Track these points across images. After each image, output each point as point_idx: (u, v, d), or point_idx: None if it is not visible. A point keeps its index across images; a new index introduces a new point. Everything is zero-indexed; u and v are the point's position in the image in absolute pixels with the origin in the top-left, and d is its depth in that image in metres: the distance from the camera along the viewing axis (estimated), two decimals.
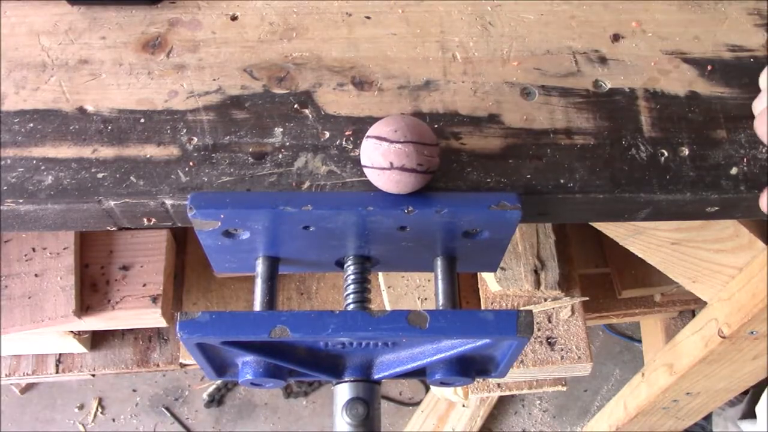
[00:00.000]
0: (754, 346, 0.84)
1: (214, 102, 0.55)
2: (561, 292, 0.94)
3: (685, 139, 0.56)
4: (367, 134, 0.50)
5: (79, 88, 0.56)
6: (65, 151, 0.53)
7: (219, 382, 1.77)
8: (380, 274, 1.00)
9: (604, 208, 0.56)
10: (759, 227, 0.75)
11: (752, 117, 0.57)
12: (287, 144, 0.54)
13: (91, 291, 0.96)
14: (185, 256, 1.11)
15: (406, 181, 0.49)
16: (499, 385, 1.01)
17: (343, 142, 0.54)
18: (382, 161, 0.49)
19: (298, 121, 0.55)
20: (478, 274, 0.97)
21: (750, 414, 1.47)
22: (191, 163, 0.53)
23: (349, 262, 0.58)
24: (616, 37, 0.60)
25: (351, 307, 0.56)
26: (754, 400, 1.45)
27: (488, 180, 0.54)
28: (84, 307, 0.94)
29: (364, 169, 0.50)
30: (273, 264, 0.58)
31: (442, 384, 0.59)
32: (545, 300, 0.96)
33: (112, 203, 0.52)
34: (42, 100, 0.55)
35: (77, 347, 1.08)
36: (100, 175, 0.52)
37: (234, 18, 0.59)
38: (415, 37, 0.59)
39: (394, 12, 0.60)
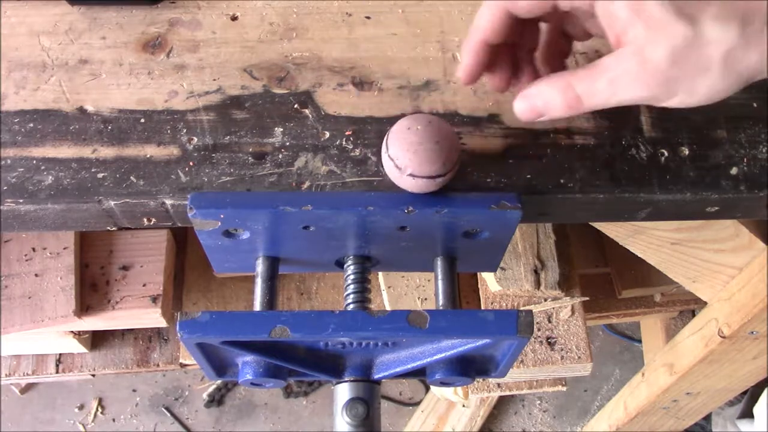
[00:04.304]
0: (754, 346, 0.84)
1: (214, 102, 0.55)
2: (561, 292, 0.94)
3: (685, 139, 0.56)
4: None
5: (79, 88, 0.56)
6: (65, 151, 0.53)
7: (219, 382, 1.77)
8: (380, 274, 1.00)
9: (604, 208, 0.56)
10: (759, 227, 0.75)
11: (752, 117, 0.57)
12: (287, 144, 0.54)
13: (91, 291, 0.96)
14: (185, 256, 1.11)
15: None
16: (499, 385, 1.01)
17: (343, 142, 0.54)
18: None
19: (298, 121, 0.55)
20: (478, 274, 0.97)
21: (748, 413, 1.47)
22: (191, 163, 0.53)
23: (349, 262, 0.58)
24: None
25: (351, 307, 0.56)
26: (753, 399, 1.45)
27: (488, 180, 0.54)
28: (84, 307, 0.94)
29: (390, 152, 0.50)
30: (273, 264, 0.58)
31: (442, 384, 0.59)
32: (545, 300, 0.96)
33: (112, 203, 0.52)
34: (42, 100, 0.55)
35: (77, 347, 1.08)
36: (100, 175, 0.52)
37: (234, 18, 0.59)
38: (415, 37, 0.59)
39: (394, 12, 0.60)
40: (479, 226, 0.53)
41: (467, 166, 0.54)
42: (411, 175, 0.49)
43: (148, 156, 0.53)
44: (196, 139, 0.54)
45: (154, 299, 0.96)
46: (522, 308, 0.95)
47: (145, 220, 0.54)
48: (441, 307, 0.57)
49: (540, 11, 0.46)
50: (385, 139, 0.50)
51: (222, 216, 0.51)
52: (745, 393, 1.48)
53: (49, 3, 0.59)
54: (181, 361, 1.11)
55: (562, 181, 0.54)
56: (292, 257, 0.58)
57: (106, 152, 0.53)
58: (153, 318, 0.98)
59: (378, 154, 0.54)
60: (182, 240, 1.11)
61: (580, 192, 0.54)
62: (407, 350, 0.56)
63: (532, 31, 0.51)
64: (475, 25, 0.48)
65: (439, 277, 0.59)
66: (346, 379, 0.57)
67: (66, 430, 1.72)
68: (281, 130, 0.55)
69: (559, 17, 0.48)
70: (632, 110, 0.57)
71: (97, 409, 1.74)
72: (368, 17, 0.60)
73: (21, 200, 0.51)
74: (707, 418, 1.59)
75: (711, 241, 0.76)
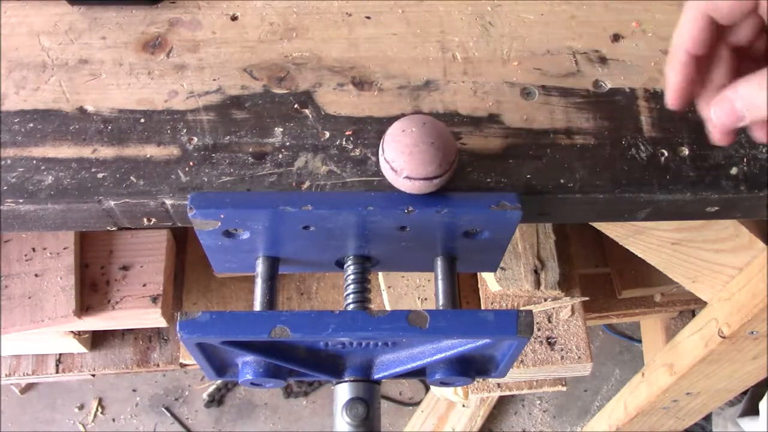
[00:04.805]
0: (754, 346, 0.84)
1: (214, 102, 0.55)
2: (561, 292, 0.94)
3: (685, 139, 0.56)
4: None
5: (79, 88, 0.56)
6: (65, 151, 0.53)
7: (219, 382, 1.77)
8: (380, 274, 1.00)
9: (604, 208, 0.56)
10: (759, 227, 0.75)
11: None
12: (287, 144, 0.54)
13: (91, 291, 0.96)
14: (185, 256, 1.11)
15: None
16: (499, 385, 1.01)
17: (343, 142, 0.54)
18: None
19: (298, 121, 0.55)
20: (478, 274, 0.97)
21: (750, 411, 1.47)
22: (191, 163, 0.53)
23: (349, 262, 0.58)
24: (616, 37, 0.60)
25: (351, 307, 0.56)
26: (755, 398, 1.45)
27: (488, 180, 0.54)
28: (84, 307, 0.94)
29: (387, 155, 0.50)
30: (273, 264, 0.58)
31: (442, 384, 0.59)
32: (545, 300, 0.96)
33: (112, 203, 0.52)
34: (42, 100, 0.55)
35: (77, 347, 1.08)
36: (100, 175, 0.52)
37: (234, 18, 0.59)
38: (415, 37, 0.59)
39: (394, 12, 0.60)
40: (479, 226, 0.53)
41: (467, 166, 0.54)
42: (407, 177, 0.49)
43: (148, 156, 0.53)
44: (196, 139, 0.54)
45: (154, 299, 0.96)
46: (522, 308, 0.95)
47: (145, 220, 0.54)
48: (441, 307, 0.56)
49: (741, 12, 0.44)
50: (381, 142, 0.50)
51: (222, 216, 0.51)
52: (745, 393, 1.48)
53: (49, 3, 0.59)
54: (181, 361, 1.11)
55: (562, 181, 0.54)
56: (292, 257, 0.58)
57: (106, 152, 0.53)
58: (153, 318, 0.98)
59: (378, 154, 0.54)
60: (182, 240, 1.11)
61: (580, 192, 0.54)
62: (407, 350, 0.56)
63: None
64: (676, 39, 0.45)
65: (439, 277, 0.58)
66: (346, 379, 0.57)
67: (66, 430, 1.72)
68: (281, 130, 0.55)
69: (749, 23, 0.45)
70: (632, 110, 0.57)
71: (97, 409, 1.74)
72: (368, 17, 0.60)
73: (21, 200, 0.51)
74: (707, 418, 1.59)
75: (711, 241, 0.76)
